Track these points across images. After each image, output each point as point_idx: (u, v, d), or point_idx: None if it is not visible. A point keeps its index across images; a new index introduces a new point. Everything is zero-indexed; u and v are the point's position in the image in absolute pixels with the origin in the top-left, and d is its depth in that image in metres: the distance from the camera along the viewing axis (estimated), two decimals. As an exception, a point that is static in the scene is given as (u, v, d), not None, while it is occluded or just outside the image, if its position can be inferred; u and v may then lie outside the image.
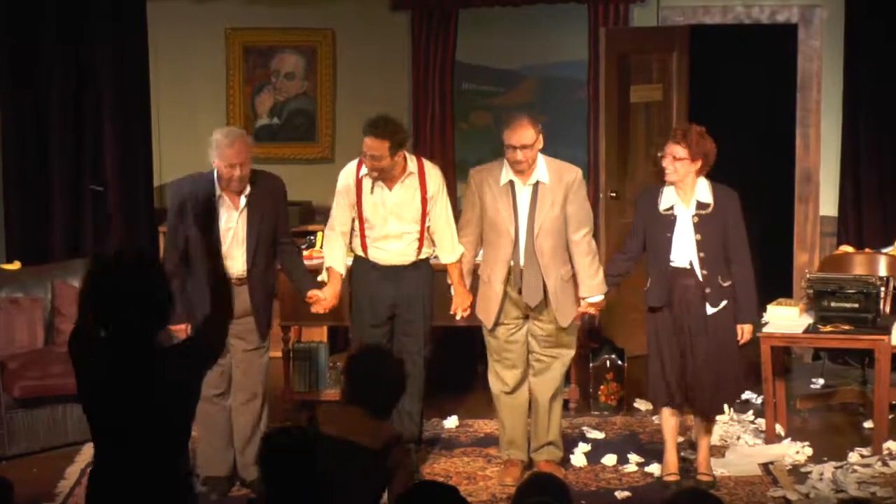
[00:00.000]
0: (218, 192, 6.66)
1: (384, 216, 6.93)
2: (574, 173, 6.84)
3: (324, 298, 6.90)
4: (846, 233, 8.87)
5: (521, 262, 6.76)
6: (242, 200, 6.70)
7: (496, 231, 6.78)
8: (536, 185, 6.74)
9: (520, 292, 6.77)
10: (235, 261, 6.66)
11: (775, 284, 8.90)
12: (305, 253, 8.07)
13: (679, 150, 6.60)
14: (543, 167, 6.77)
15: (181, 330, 6.41)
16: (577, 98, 9.26)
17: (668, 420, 6.83)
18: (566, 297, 6.82)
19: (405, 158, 6.92)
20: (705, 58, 9.49)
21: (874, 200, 8.83)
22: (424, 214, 6.95)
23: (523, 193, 6.76)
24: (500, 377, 6.91)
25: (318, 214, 9.24)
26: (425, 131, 9.35)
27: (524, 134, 6.64)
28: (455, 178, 9.37)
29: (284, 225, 6.93)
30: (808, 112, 9.05)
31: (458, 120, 9.39)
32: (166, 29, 9.31)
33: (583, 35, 9.12)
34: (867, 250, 8.34)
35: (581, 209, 6.80)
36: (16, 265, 8.27)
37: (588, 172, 9.19)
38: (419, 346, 7.01)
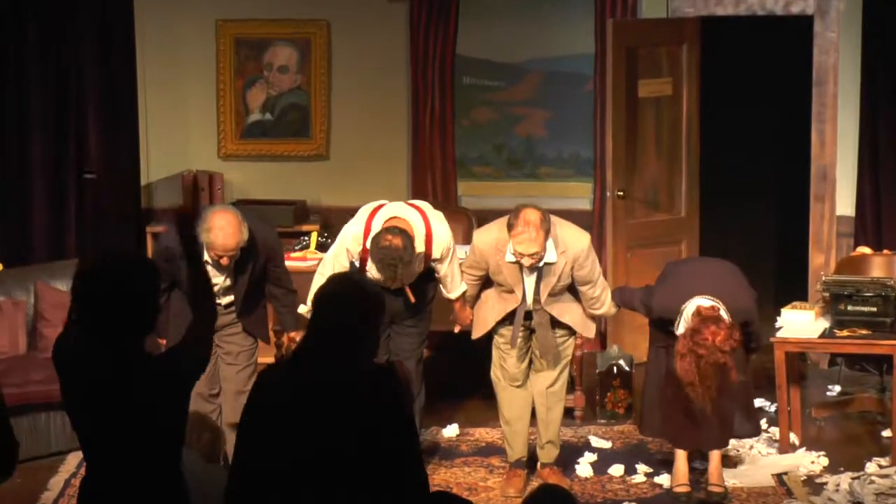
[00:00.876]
0: (206, 257, 6.69)
1: None
2: (580, 246, 6.83)
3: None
4: (864, 233, 8.88)
5: (525, 313, 6.90)
6: (231, 264, 6.77)
7: (504, 288, 6.90)
8: (542, 265, 6.81)
9: (530, 334, 6.97)
10: (220, 302, 6.76)
11: (790, 287, 8.96)
12: (299, 254, 8.11)
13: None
14: (551, 249, 6.76)
15: (162, 344, 6.50)
16: (583, 93, 9.30)
17: None
18: (583, 317, 7.00)
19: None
20: (717, 51, 9.54)
21: (893, 199, 8.85)
22: (426, 267, 6.99)
23: (529, 281, 6.85)
24: (506, 370, 7.02)
25: (312, 214, 9.32)
26: (424, 127, 9.40)
27: (535, 244, 6.63)
28: (456, 176, 9.47)
29: (276, 272, 6.97)
30: (824, 107, 9.04)
31: (459, 116, 9.44)
32: (154, 20, 9.36)
33: (589, 27, 9.17)
34: (886, 252, 8.37)
35: (590, 273, 6.90)
36: (-3, 266, 8.30)
37: (594, 170, 9.27)
38: (415, 346, 7.10)
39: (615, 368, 8.06)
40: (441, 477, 7.17)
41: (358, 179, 9.47)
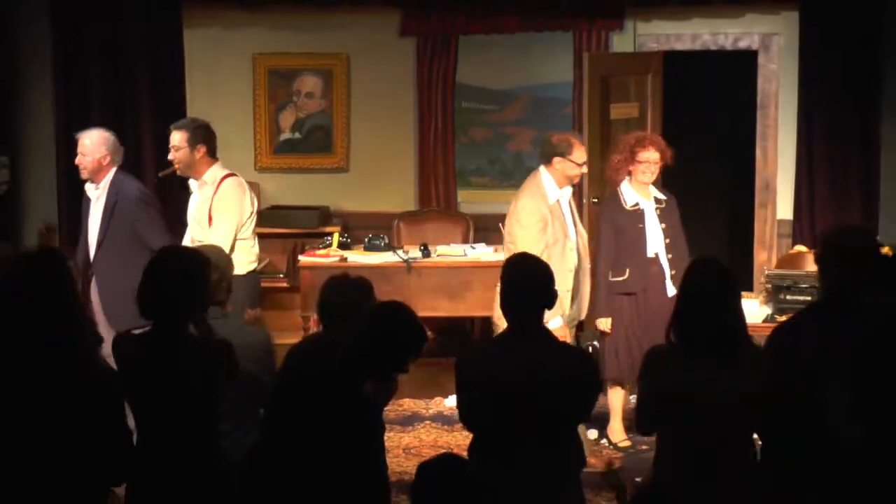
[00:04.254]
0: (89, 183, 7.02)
1: (189, 221, 6.93)
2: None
3: None
4: (800, 234, 8.88)
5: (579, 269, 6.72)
6: (100, 194, 6.97)
7: (559, 245, 6.58)
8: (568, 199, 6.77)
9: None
10: (89, 249, 6.91)
11: (738, 279, 8.94)
12: (323, 252, 8.05)
13: (656, 156, 6.75)
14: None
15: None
16: (563, 115, 9.26)
17: (615, 391, 6.96)
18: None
19: (209, 167, 6.83)
20: (677, 79, 9.53)
21: (825, 206, 8.83)
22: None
23: (566, 207, 6.73)
24: None
25: (334, 217, 9.31)
26: (428, 144, 9.37)
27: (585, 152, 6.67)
28: (456, 185, 9.44)
29: (144, 230, 6.89)
30: (766, 128, 9.08)
31: (459, 134, 9.40)
32: (200, 54, 9.35)
33: (568, 59, 9.16)
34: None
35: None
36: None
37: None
38: None
39: (590, 348, 8.03)
40: (444, 440, 7.20)
41: (373, 188, 9.48)
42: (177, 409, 4.21)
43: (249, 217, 6.87)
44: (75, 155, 9.07)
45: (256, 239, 7.05)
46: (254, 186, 9.20)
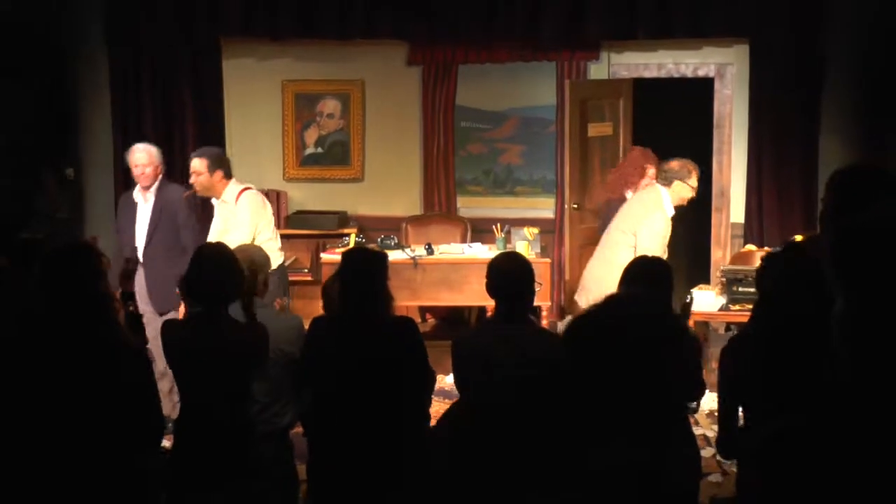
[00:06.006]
0: (136, 189, 7.02)
1: (212, 235, 6.91)
2: None
3: None
4: (751, 235, 8.93)
5: None
6: (150, 197, 6.92)
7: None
8: None
9: None
10: (139, 239, 6.90)
11: (697, 274, 9.09)
12: (341, 250, 8.21)
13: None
14: None
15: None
16: (547, 133, 9.33)
17: None
18: None
19: (225, 187, 6.81)
20: (645, 102, 9.57)
21: (772, 211, 8.91)
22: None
23: None
24: None
25: (351, 221, 9.39)
26: (432, 158, 9.43)
27: None
28: (456, 193, 9.47)
29: (182, 228, 6.84)
30: (722, 144, 9.10)
31: (458, 149, 9.43)
32: (236, 80, 9.45)
33: (552, 85, 9.21)
34: (766, 248, 8.45)
35: None
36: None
37: (556, 189, 9.34)
38: None
39: (570, 333, 8.17)
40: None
41: (384, 195, 9.54)
42: (214, 384, 4.25)
43: (267, 222, 6.91)
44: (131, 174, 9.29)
45: (278, 237, 7.11)
46: (282, 194, 9.37)
